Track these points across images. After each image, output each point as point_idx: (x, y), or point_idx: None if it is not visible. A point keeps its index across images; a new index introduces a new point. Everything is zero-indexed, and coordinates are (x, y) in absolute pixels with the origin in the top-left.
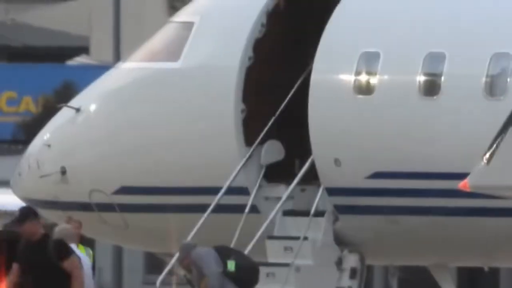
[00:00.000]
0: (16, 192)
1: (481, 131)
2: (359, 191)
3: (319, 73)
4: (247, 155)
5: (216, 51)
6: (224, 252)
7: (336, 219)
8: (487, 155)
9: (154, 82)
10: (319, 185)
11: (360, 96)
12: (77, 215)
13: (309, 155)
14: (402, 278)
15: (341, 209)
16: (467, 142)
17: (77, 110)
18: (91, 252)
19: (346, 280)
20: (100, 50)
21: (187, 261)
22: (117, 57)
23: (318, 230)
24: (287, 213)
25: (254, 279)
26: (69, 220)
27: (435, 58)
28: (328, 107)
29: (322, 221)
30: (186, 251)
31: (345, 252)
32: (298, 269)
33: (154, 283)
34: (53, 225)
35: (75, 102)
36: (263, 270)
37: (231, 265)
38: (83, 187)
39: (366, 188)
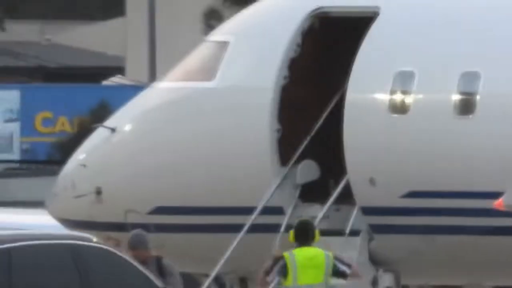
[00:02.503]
0: (51, 213)
1: None
2: (394, 210)
3: (353, 93)
4: (282, 175)
5: (251, 71)
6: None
7: (371, 239)
8: None
9: (189, 102)
10: (354, 205)
11: (395, 115)
12: (113, 236)
13: (344, 174)
14: None
15: (376, 229)
16: (502, 161)
17: (113, 130)
18: None
19: None
20: (136, 70)
21: (142, 255)
22: (153, 77)
23: (353, 250)
24: (322, 232)
25: None
26: (108, 239)
27: (470, 77)
28: (362, 126)
29: (357, 240)
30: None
31: (381, 271)
32: None
33: None
34: None
35: (110, 122)
36: None
37: None
38: (118, 207)
39: (401, 207)
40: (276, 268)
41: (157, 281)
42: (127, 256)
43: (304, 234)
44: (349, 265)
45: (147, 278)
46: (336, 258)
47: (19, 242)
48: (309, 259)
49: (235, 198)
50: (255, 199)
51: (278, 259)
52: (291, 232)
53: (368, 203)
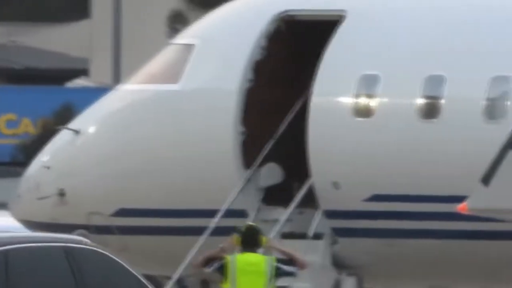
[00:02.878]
0: (14, 214)
1: (480, 154)
2: (358, 214)
3: (318, 96)
4: (246, 178)
5: (216, 74)
6: None
7: (334, 242)
8: (486, 177)
9: (153, 104)
10: (317, 208)
11: (359, 119)
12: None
13: (308, 177)
14: None
15: (339, 232)
16: (466, 165)
17: (77, 132)
18: None
19: None
20: (100, 72)
21: None
22: (117, 79)
23: (316, 253)
24: (285, 235)
25: None
26: None
27: (435, 81)
28: (327, 129)
29: (320, 244)
30: None
31: (343, 275)
32: None
33: None
34: None
35: (74, 124)
36: None
37: None
38: (82, 209)
39: (365, 210)
40: (216, 264)
41: (148, 283)
42: (119, 259)
43: (249, 240)
44: (294, 261)
45: (139, 280)
46: (278, 260)
47: (15, 245)
48: (249, 265)
49: (199, 200)
50: (218, 201)
51: (225, 251)
52: (236, 237)
53: (332, 206)
